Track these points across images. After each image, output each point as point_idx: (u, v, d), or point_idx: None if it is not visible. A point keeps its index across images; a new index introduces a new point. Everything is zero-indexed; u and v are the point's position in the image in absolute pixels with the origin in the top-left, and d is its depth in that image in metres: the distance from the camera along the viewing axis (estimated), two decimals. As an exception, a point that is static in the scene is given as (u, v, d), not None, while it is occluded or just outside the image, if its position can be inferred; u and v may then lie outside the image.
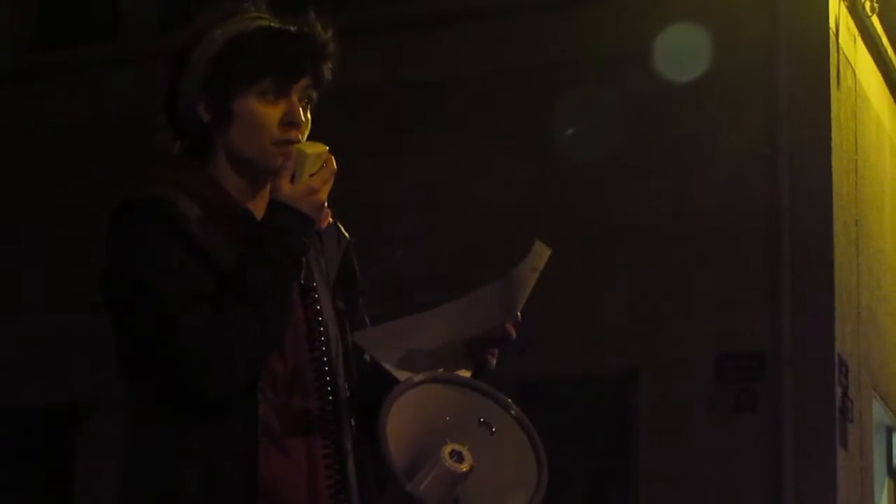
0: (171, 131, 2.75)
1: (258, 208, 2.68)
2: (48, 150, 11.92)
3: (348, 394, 2.73)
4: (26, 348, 11.48)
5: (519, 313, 2.73)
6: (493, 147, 10.62)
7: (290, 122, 2.67)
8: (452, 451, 2.50)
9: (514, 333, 2.73)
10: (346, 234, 2.87)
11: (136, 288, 2.58)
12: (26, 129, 12.05)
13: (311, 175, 2.63)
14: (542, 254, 2.71)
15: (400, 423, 2.52)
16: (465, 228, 10.50)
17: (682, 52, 10.27)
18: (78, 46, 12.17)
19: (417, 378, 2.59)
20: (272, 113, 2.67)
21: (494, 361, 2.77)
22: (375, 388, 2.67)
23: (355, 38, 10.70)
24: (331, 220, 2.80)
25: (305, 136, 2.71)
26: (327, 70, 2.73)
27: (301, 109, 2.70)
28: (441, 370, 2.68)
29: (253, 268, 2.58)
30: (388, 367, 2.68)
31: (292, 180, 2.63)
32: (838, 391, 9.94)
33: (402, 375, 2.66)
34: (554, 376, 10.48)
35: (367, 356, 2.77)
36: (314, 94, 2.74)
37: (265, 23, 2.71)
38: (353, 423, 2.72)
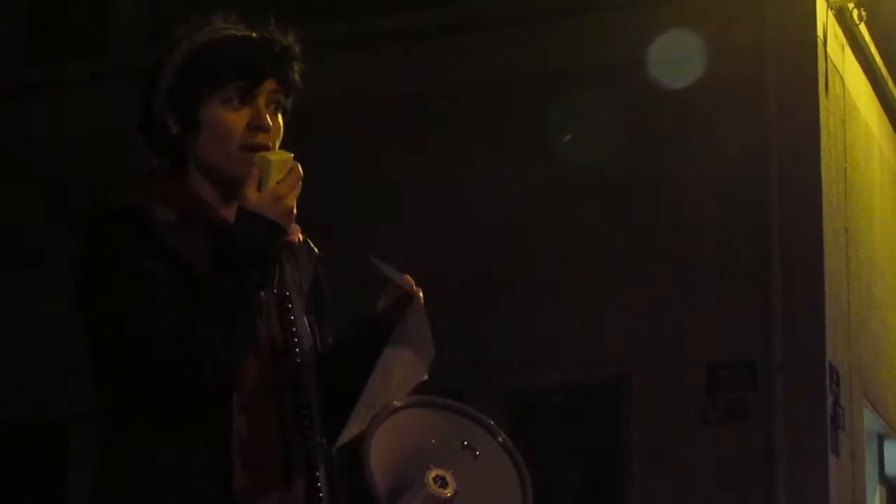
0: (149, 149, 2.76)
1: (233, 218, 2.68)
2: (39, 164, 11.91)
3: (319, 404, 2.74)
4: (16, 362, 11.47)
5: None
6: (490, 155, 10.62)
7: (256, 127, 2.67)
8: (437, 476, 2.51)
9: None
10: (316, 250, 2.89)
11: (108, 294, 2.59)
12: (19, 143, 12.04)
13: (278, 182, 2.62)
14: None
15: (383, 447, 2.52)
16: (461, 234, 10.49)
17: (671, 61, 10.26)
18: (67, 62, 12.16)
19: (399, 402, 2.60)
20: (238, 119, 2.68)
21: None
22: (341, 379, 2.72)
23: (357, 48, 10.78)
24: (300, 236, 2.81)
25: (278, 142, 2.70)
26: (295, 74, 2.73)
27: (270, 115, 2.70)
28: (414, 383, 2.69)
29: (220, 275, 2.57)
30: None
31: (259, 188, 2.62)
32: (830, 399, 9.93)
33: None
34: (546, 386, 10.47)
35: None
36: (285, 101, 2.73)
37: (232, 32, 2.72)
38: (323, 434, 2.73)
